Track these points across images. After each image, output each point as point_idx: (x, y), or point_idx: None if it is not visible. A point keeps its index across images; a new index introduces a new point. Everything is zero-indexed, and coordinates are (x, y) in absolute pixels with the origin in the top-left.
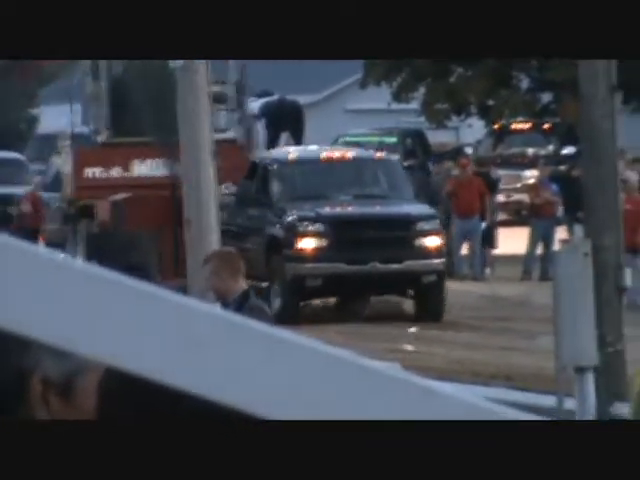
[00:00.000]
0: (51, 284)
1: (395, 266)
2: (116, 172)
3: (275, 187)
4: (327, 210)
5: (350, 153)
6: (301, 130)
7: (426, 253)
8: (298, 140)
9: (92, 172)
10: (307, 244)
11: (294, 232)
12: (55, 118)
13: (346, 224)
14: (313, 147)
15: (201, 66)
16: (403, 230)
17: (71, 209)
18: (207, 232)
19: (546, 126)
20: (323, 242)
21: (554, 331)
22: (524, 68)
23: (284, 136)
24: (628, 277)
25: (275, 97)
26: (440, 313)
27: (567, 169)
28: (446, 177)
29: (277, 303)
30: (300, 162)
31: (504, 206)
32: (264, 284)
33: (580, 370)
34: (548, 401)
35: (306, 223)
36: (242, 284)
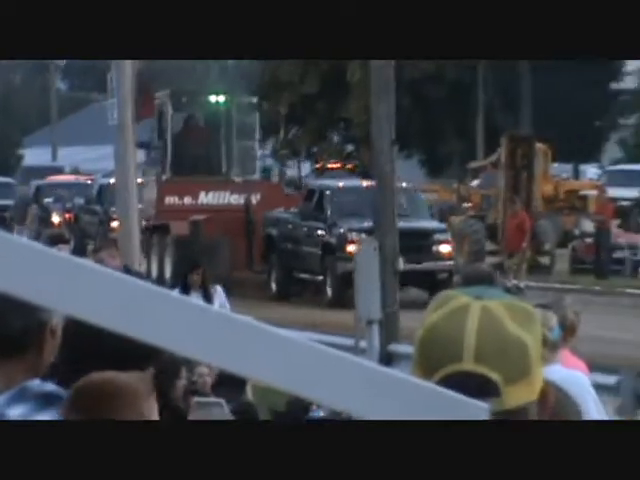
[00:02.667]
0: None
1: (417, 266)
2: (186, 200)
3: (328, 207)
4: (367, 224)
5: None
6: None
7: (440, 257)
8: None
9: (170, 200)
10: (353, 248)
11: (344, 240)
12: (34, 157)
13: None
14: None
15: (130, 124)
16: (423, 239)
17: (149, 226)
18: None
19: (350, 166)
20: None
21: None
22: (335, 127)
23: None
24: (401, 263)
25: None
26: None
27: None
28: None
29: (329, 292)
30: (346, 189)
31: None
32: (319, 278)
33: (369, 322)
34: (349, 342)
35: (353, 234)
36: None
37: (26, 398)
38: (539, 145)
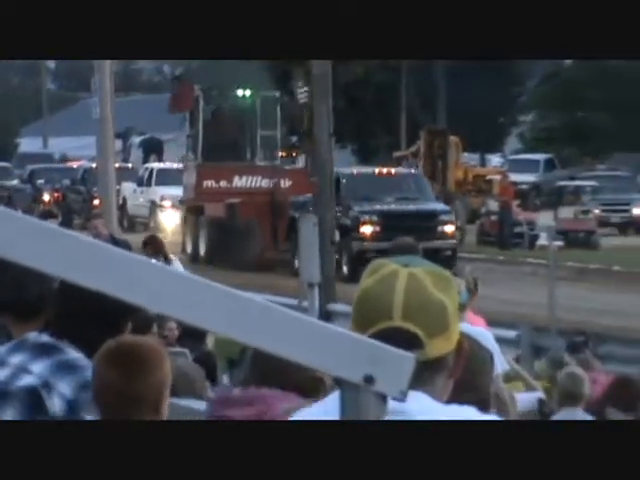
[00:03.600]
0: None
1: (423, 244)
2: (222, 184)
3: (344, 191)
4: (378, 207)
5: (393, 170)
6: (162, 154)
7: (444, 236)
8: (160, 160)
9: (209, 183)
10: (366, 229)
11: (358, 221)
12: (29, 145)
13: (392, 216)
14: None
15: (109, 118)
16: (429, 220)
17: (186, 207)
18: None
19: (294, 154)
20: (377, 228)
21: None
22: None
23: (152, 157)
24: (337, 235)
25: (148, 135)
26: None
27: None
28: None
29: (345, 269)
30: (360, 175)
31: None
32: (336, 256)
33: (310, 285)
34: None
35: (366, 216)
36: None
37: (25, 347)
38: (452, 137)
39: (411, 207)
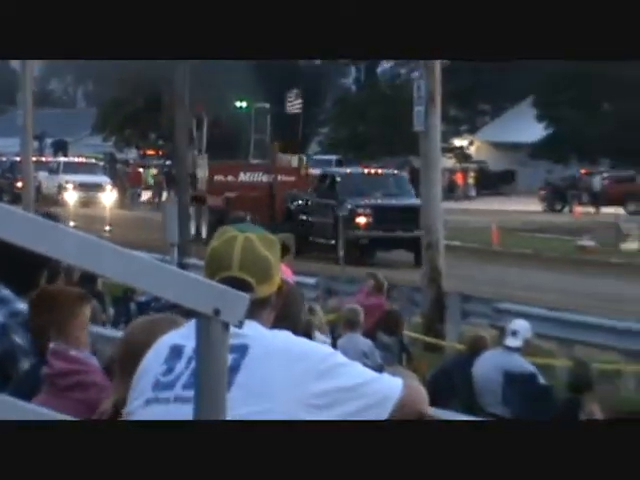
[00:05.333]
0: None
1: (408, 234)
2: (229, 178)
3: (339, 188)
4: (370, 201)
5: (380, 170)
6: (67, 151)
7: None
8: (65, 155)
9: (219, 178)
10: (361, 220)
11: (353, 213)
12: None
13: (382, 210)
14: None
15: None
16: (412, 213)
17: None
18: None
19: (160, 153)
20: (369, 220)
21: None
22: (154, 130)
23: (59, 154)
24: (191, 210)
25: (57, 138)
26: None
27: None
28: None
29: (342, 253)
30: (353, 174)
31: None
32: (332, 242)
33: (172, 244)
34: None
35: (360, 209)
36: None
37: None
38: (275, 143)
39: (398, 202)
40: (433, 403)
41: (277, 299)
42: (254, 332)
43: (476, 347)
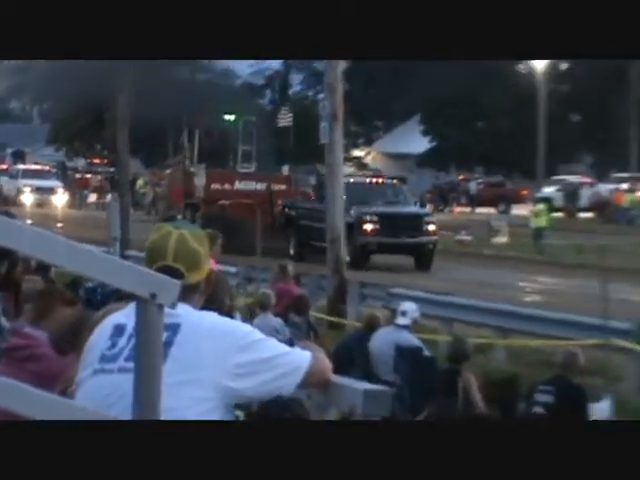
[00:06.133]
0: None
1: (411, 240)
2: (226, 187)
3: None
4: (376, 209)
5: (380, 179)
6: (25, 160)
7: (428, 233)
8: (24, 163)
9: (215, 186)
10: (367, 227)
11: (361, 220)
12: None
13: (388, 217)
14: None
15: None
16: (416, 220)
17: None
18: None
19: (105, 162)
20: (376, 226)
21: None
22: (100, 142)
23: (19, 162)
24: (131, 208)
25: (16, 148)
26: (430, 265)
27: None
28: None
29: (348, 258)
30: (355, 183)
31: None
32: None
33: (114, 239)
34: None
35: (367, 216)
36: None
37: None
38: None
39: (402, 210)
40: (336, 372)
41: (206, 286)
42: (185, 313)
43: (371, 325)
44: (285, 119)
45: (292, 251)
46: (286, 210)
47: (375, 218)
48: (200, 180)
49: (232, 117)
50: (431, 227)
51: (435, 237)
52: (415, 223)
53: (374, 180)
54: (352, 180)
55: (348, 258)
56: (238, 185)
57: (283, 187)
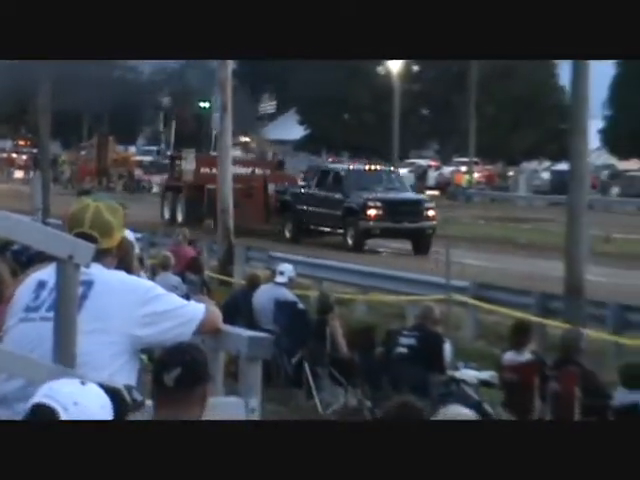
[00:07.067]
0: None
1: (412, 225)
2: (214, 171)
3: (344, 182)
4: (379, 195)
5: (379, 167)
6: None
7: (428, 218)
8: None
9: (204, 170)
10: (371, 212)
11: (365, 206)
12: None
13: (390, 203)
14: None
15: None
16: (417, 206)
17: (167, 186)
18: None
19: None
20: (379, 212)
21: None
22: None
23: None
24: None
25: None
26: (428, 249)
27: None
28: None
29: (350, 241)
30: (355, 170)
31: None
32: (340, 230)
33: (38, 209)
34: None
35: (371, 202)
36: None
37: None
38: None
39: (405, 196)
40: (225, 322)
41: (117, 250)
42: (98, 272)
43: (253, 283)
44: (268, 106)
45: (288, 234)
46: (283, 196)
47: (379, 204)
48: (190, 164)
49: (207, 104)
50: (431, 212)
51: (434, 222)
52: (417, 208)
53: (372, 167)
54: (351, 167)
55: (350, 242)
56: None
57: (268, 171)
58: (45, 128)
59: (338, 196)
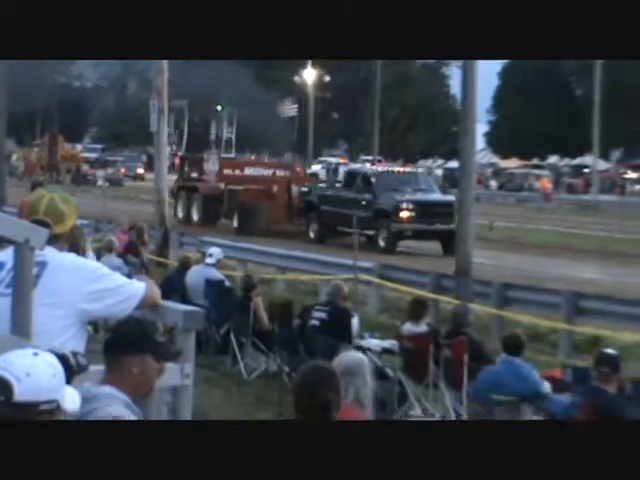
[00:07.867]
0: None
1: (444, 226)
2: (237, 172)
3: (374, 183)
4: (412, 197)
5: (407, 169)
6: None
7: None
8: None
9: (227, 172)
10: (404, 214)
11: (397, 207)
12: None
13: (423, 204)
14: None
15: None
16: (448, 207)
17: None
18: None
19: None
20: (412, 213)
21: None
22: None
23: None
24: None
25: None
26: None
27: None
28: None
29: (382, 243)
30: (385, 172)
31: None
32: (370, 232)
33: None
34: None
35: (403, 203)
36: None
37: None
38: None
39: (437, 197)
40: (162, 298)
41: (69, 235)
42: (51, 254)
43: (185, 264)
44: (291, 109)
45: (312, 235)
46: (307, 196)
47: (411, 206)
48: (213, 165)
49: (218, 107)
50: None
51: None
52: (448, 210)
53: (401, 169)
54: (380, 169)
55: (382, 244)
56: (247, 171)
57: (288, 173)
58: (1, 127)
59: (368, 197)
